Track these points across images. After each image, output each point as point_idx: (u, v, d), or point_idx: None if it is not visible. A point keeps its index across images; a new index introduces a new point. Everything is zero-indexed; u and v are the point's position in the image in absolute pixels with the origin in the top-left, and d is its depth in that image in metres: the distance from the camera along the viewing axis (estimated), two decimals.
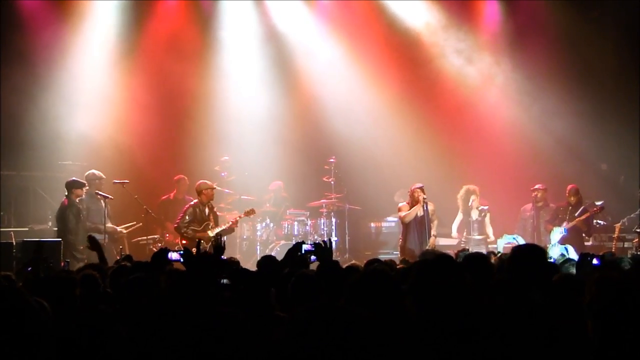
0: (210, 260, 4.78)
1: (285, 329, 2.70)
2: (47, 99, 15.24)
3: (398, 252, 14.59)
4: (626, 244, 15.36)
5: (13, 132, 15.00)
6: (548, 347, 3.60)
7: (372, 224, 17.56)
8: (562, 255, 12.99)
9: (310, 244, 6.42)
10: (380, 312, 4.14)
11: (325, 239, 6.93)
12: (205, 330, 3.15)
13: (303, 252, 6.33)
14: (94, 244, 9.16)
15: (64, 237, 13.42)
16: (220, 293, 4.85)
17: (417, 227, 14.31)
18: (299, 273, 5.75)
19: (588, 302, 3.05)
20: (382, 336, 3.05)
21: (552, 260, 8.65)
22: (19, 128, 14.94)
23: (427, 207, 14.19)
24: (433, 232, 14.40)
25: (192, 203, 14.21)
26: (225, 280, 5.16)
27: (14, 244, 12.79)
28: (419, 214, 14.19)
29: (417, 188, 14.36)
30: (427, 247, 13.82)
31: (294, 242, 15.37)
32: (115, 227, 14.30)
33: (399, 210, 14.60)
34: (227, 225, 14.15)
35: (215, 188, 14.57)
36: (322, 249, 6.14)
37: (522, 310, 3.70)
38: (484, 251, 12.85)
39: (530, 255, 5.53)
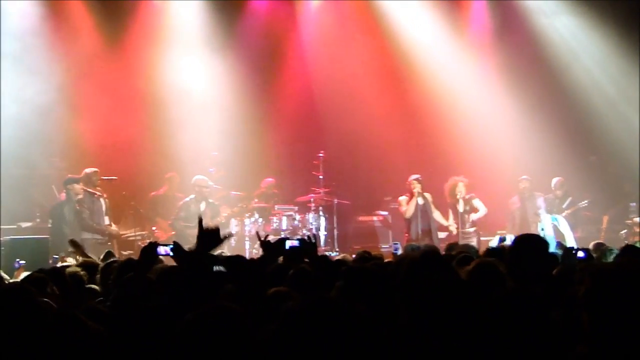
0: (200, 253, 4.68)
1: (281, 321, 2.68)
2: (34, 97, 15.12)
3: (388, 246, 14.61)
4: (614, 236, 15.41)
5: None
6: (544, 341, 3.58)
7: (361, 218, 17.53)
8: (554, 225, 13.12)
9: (295, 240, 6.32)
10: (373, 307, 4.12)
11: (310, 234, 6.86)
12: (200, 327, 3.12)
13: (287, 248, 6.22)
14: (75, 246, 9.39)
15: (60, 230, 13.40)
16: (215, 285, 4.78)
17: (416, 219, 14.40)
18: (298, 268, 5.69)
19: (582, 294, 3.04)
20: (375, 331, 3.03)
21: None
22: (6, 125, 14.81)
23: (424, 198, 14.33)
24: (447, 222, 14.59)
25: (186, 199, 14.71)
26: (219, 268, 5.07)
27: (2, 241, 12.77)
28: (419, 204, 14.31)
29: (413, 180, 14.47)
30: (430, 239, 13.96)
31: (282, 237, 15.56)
32: (118, 231, 14.28)
33: (399, 204, 14.72)
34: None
35: (206, 187, 14.97)
36: (308, 244, 6.09)
37: (520, 304, 3.68)
38: (475, 244, 12.86)
39: (531, 246, 5.49)
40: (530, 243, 5.56)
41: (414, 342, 3.65)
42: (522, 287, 4.17)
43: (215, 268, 5.04)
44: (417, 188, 14.48)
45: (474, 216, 14.76)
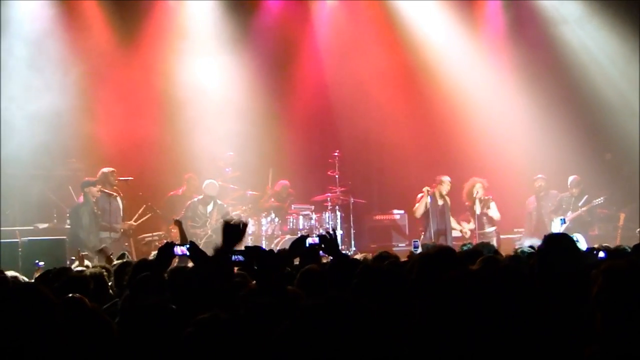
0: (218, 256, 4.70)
1: (295, 319, 2.70)
2: (49, 98, 15.18)
3: (404, 245, 14.60)
4: (630, 233, 15.33)
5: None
6: (562, 339, 3.58)
7: (377, 217, 17.50)
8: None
9: (315, 237, 6.26)
10: (388, 306, 4.13)
11: (330, 230, 6.80)
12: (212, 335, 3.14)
13: (307, 245, 6.15)
14: (101, 253, 9.73)
15: (76, 234, 13.49)
16: (231, 291, 4.79)
17: (434, 218, 14.39)
18: (306, 269, 5.66)
19: (595, 293, 3.04)
20: (390, 330, 3.05)
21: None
22: (22, 127, 14.88)
23: (434, 199, 14.29)
24: (459, 227, 14.55)
25: (194, 199, 14.75)
26: (238, 257, 5.08)
27: (20, 242, 12.84)
28: (428, 206, 14.27)
29: (441, 178, 14.55)
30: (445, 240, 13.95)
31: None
32: (131, 224, 14.35)
33: (418, 201, 14.73)
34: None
35: (212, 195, 15.00)
36: (328, 241, 6.05)
37: (548, 302, 3.67)
38: (494, 243, 12.79)
39: (560, 245, 5.45)
40: (560, 243, 5.52)
41: (427, 341, 3.65)
42: (542, 286, 4.16)
43: (234, 257, 5.05)
44: (425, 188, 14.53)
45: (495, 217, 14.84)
